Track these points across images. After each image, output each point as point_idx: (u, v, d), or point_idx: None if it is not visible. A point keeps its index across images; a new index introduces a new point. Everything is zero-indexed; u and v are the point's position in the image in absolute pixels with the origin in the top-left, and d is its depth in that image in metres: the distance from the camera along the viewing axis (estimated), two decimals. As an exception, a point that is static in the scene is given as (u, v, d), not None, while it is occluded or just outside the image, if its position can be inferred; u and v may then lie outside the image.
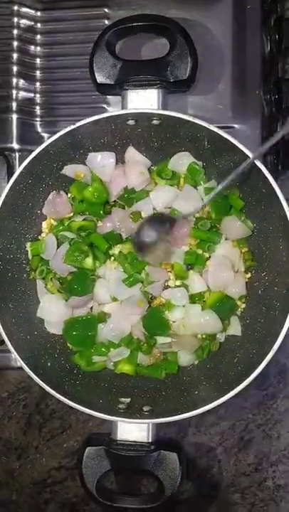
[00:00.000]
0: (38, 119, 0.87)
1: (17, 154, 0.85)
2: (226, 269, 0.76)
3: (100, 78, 0.75)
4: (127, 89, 0.74)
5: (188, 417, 0.68)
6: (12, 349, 0.72)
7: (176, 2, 0.83)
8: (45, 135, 0.87)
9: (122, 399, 0.74)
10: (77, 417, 0.91)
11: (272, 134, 0.85)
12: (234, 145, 0.70)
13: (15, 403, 0.92)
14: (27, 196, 0.76)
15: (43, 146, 0.72)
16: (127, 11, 0.84)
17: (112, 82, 0.74)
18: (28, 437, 0.92)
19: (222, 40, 0.82)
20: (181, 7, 0.83)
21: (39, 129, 0.87)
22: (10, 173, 0.84)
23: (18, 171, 0.72)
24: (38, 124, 0.87)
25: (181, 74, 0.73)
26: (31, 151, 0.83)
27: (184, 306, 0.77)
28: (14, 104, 0.85)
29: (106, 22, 0.85)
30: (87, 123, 0.71)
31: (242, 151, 0.69)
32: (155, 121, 0.73)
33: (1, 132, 0.84)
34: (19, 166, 0.83)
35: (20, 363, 0.72)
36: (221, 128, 0.71)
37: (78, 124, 0.71)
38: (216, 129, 0.70)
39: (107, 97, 0.85)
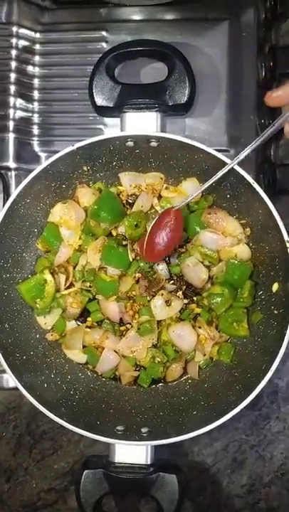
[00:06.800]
0: (35, 138, 0.87)
1: (13, 173, 0.85)
2: None
3: (100, 101, 0.76)
4: (125, 112, 0.75)
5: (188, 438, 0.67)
6: (8, 370, 0.71)
7: (173, 27, 0.86)
8: (42, 154, 0.88)
9: (119, 427, 0.73)
10: (69, 437, 0.89)
11: (266, 157, 0.88)
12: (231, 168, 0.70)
13: (5, 423, 0.90)
14: (24, 215, 0.76)
15: (42, 166, 0.72)
16: (125, 34, 0.86)
17: (112, 105, 0.76)
18: (18, 459, 0.90)
19: (218, 66, 0.85)
20: (178, 32, 0.86)
21: (36, 149, 0.88)
22: (6, 191, 0.84)
23: (17, 190, 0.72)
24: (35, 143, 0.87)
25: (179, 98, 0.75)
26: (27, 170, 0.84)
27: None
28: (11, 124, 0.85)
29: (104, 45, 0.86)
30: (87, 144, 0.72)
31: (239, 174, 0.71)
32: (153, 143, 0.74)
33: (-2, 151, 0.85)
34: (16, 184, 0.85)
35: (16, 383, 0.71)
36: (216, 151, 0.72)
37: (78, 145, 0.72)
38: (214, 152, 0.71)
39: (104, 118, 0.86)
